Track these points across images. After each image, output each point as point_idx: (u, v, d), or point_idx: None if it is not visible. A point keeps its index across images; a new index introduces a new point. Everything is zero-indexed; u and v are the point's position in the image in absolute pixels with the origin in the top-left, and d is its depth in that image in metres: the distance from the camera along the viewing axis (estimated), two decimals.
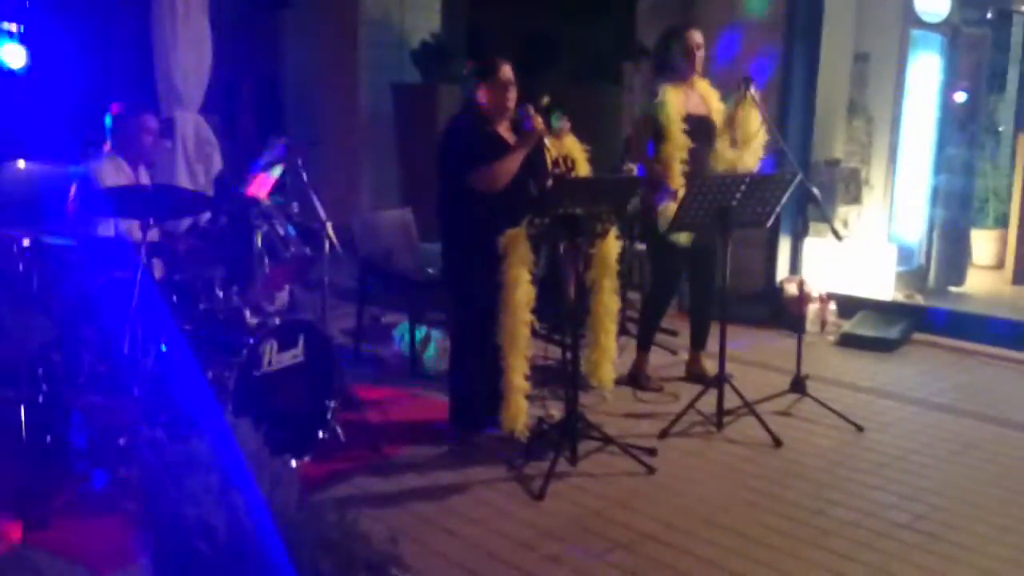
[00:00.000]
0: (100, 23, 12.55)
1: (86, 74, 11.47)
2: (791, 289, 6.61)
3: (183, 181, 6.76)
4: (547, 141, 4.26)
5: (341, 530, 2.45)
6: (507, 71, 4.31)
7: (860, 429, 4.67)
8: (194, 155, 6.89)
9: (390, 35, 9.92)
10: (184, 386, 3.52)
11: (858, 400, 5.15)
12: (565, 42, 14.52)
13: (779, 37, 6.70)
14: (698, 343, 5.49)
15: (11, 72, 4.84)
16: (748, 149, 4.99)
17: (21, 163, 7.52)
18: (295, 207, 4.76)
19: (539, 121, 4.22)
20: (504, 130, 4.38)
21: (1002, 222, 8.51)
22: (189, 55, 6.64)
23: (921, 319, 6.37)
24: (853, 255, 6.86)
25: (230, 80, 8.99)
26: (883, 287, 6.83)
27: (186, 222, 5.01)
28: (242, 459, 2.45)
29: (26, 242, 3.83)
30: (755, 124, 4.96)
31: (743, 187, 4.44)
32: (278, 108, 10.75)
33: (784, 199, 4.61)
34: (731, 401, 4.69)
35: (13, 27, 4.75)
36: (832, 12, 6.77)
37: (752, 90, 4.91)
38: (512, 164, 4.20)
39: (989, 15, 8.43)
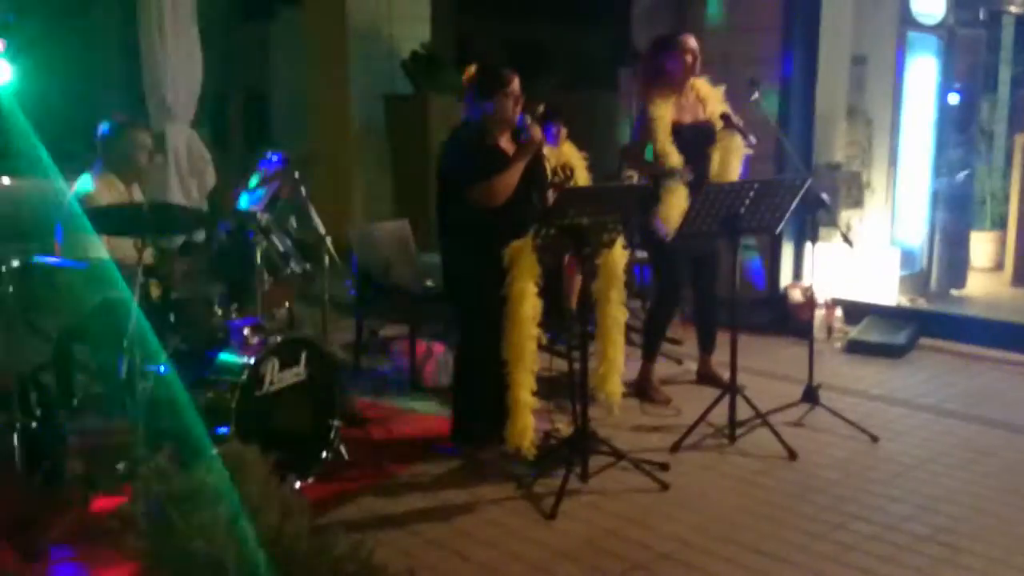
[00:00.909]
0: (88, 36, 12.45)
1: (74, 88, 11.35)
2: (796, 295, 6.53)
3: (176, 197, 6.65)
4: (544, 150, 4.17)
5: (356, 562, 2.34)
6: (516, 83, 4.21)
7: (875, 439, 4.59)
8: (187, 170, 6.78)
9: (379, 46, 9.82)
10: (186, 410, 3.41)
11: (870, 408, 5.07)
12: (558, 49, 14.44)
13: (776, 41, 6.63)
14: (707, 347, 5.42)
15: (3, 87, 4.72)
16: (729, 159, 4.94)
17: (5, 179, 7.41)
18: (293, 222, 4.66)
19: (537, 131, 4.13)
20: (505, 141, 4.29)
21: (1000, 224, 8.47)
22: (179, 68, 6.53)
23: (928, 324, 6.30)
24: (856, 260, 6.78)
25: (219, 93, 8.87)
26: (887, 292, 6.76)
27: (179, 240, 4.90)
28: (251, 489, 2.35)
29: (15, 262, 3.70)
30: (737, 148, 4.91)
31: (752, 194, 4.36)
32: (268, 121, 10.67)
33: (793, 205, 4.53)
34: (742, 411, 4.60)
35: None
36: (829, 15, 6.71)
37: (756, 95, 4.85)
38: (512, 177, 4.11)
39: (981, 15, 8.40)
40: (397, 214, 7.31)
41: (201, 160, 6.71)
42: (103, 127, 4.56)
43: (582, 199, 4.07)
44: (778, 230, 4.63)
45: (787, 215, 4.54)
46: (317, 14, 10.02)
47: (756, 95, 4.89)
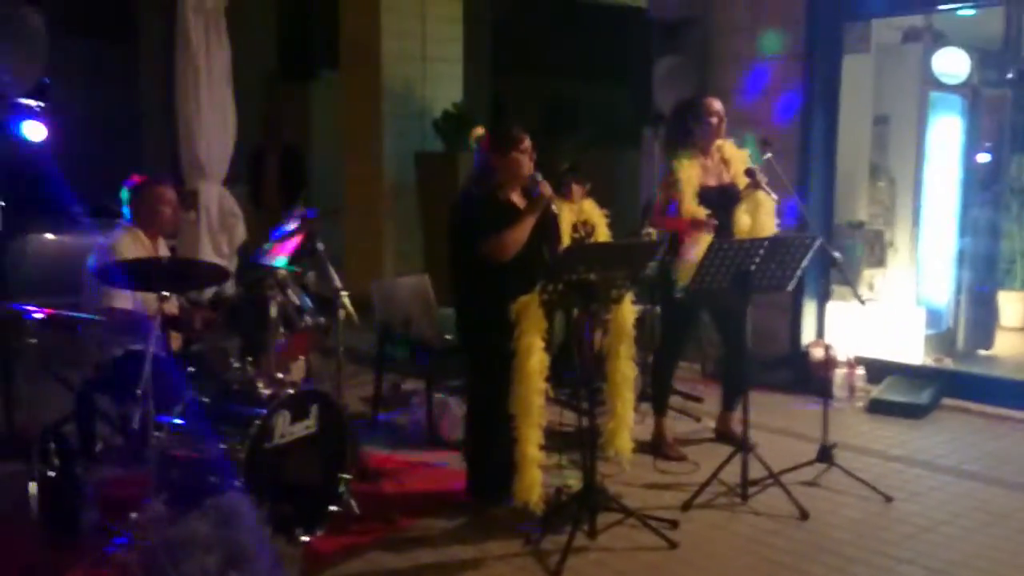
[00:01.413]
0: (126, 95, 12.86)
1: (115, 145, 11.72)
2: (817, 353, 6.50)
3: (207, 252, 6.80)
4: (555, 207, 4.24)
5: None
6: (527, 141, 4.31)
7: (889, 499, 4.53)
8: (217, 226, 6.94)
9: (412, 105, 10.08)
10: (193, 461, 3.48)
11: (887, 469, 5.01)
12: (586, 108, 14.68)
13: (797, 100, 6.70)
14: (729, 404, 5.41)
15: (33, 145, 4.91)
16: (760, 217, 4.96)
17: (49, 235, 7.66)
18: (311, 276, 4.76)
19: (547, 188, 4.21)
20: (517, 197, 4.38)
21: None
22: (212, 127, 6.72)
23: (951, 384, 6.23)
24: (880, 318, 6.75)
25: (257, 150, 9.13)
26: (912, 351, 6.71)
27: (209, 292, 5.03)
28: (243, 538, 2.40)
29: (40, 315, 3.83)
30: (767, 205, 4.93)
31: (762, 251, 4.39)
32: (304, 177, 10.90)
33: (804, 262, 4.55)
34: (757, 470, 4.58)
35: (33, 103, 4.83)
36: (849, 76, 6.77)
37: (769, 155, 4.90)
38: (522, 232, 4.18)
39: (1010, 75, 8.38)
40: (427, 270, 7.42)
41: (232, 216, 6.87)
42: (130, 183, 4.72)
43: (590, 255, 4.13)
44: (789, 287, 4.64)
45: (798, 273, 4.56)
46: (354, 75, 10.33)
47: (768, 155, 4.94)
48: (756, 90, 6.84)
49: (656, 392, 5.34)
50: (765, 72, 6.82)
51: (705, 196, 4.99)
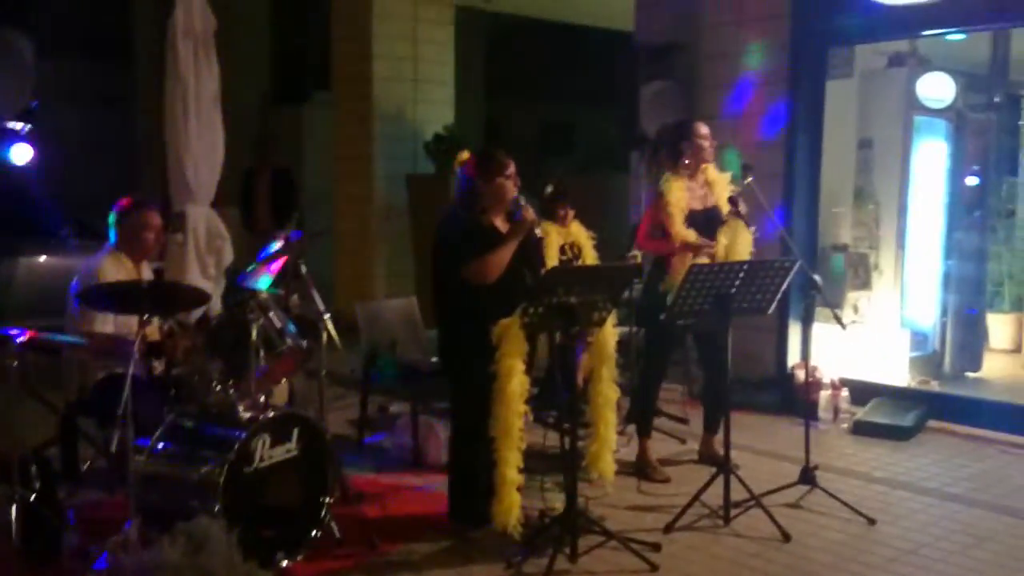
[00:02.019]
0: (121, 116, 12.92)
1: (109, 169, 11.77)
2: (802, 375, 6.50)
3: (194, 274, 6.81)
4: (539, 230, 4.27)
5: None
6: (511, 167, 4.34)
7: (872, 522, 4.54)
8: (204, 248, 6.95)
9: (403, 128, 10.14)
10: (170, 484, 3.48)
11: (871, 491, 5.02)
12: (577, 131, 14.80)
13: (780, 124, 6.76)
14: (710, 427, 5.42)
15: (19, 167, 4.94)
16: (737, 246, 5.01)
17: (37, 258, 7.67)
18: (295, 299, 4.78)
19: (530, 212, 4.23)
20: (500, 221, 4.40)
21: (1018, 306, 8.40)
22: (201, 150, 6.74)
23: (936, 406, 6.25)
24: (866, 340, 6.77)
25: (250, 172, 9.16)
26: (897, 373, 6.72)
27: (197, 313, 5.04)
28: (214, 562, 2.41)
29: (22, 338, 3.84)
30: (745, 236, 4.98)
31: (741, 274, 4.42)
32: (295, 199, 10.94)
33: (784, 285, 4.57)
34: (740, 492, 4.58)
35: (18, 126, 4.87)
36: (834, 100, 6.83)
37: (750, 179, 4.95)
38: (504, 255, 4.20)
39: (997, 99, 8.45)
40: (418, 291, 7.45)
41: (219, 238, 6.88)
42: (116, 206, 4.74)
43: (570, 278, 4.15)
44: (769, 311, 4.66)
45: (778, 296, 4.58)
46: (347, 97, 10.38)
47: (750, 179, 4.99)
48: (741, 114, 6.90)
49: (640, 414, 5.36)
50: (749, 96, 6.88)
51: (692, 219, 5.04)
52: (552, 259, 5.39)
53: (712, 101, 7.02)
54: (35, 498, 3.93)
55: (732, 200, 4.99)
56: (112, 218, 4.69)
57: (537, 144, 14.34)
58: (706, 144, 5.10)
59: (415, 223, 9.90)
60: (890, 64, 7.31)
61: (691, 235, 4.98)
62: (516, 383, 4.09)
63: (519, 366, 4.09)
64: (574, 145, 14.98)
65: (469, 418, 4.30)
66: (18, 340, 3.85)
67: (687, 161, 5.09)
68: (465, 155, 4.45)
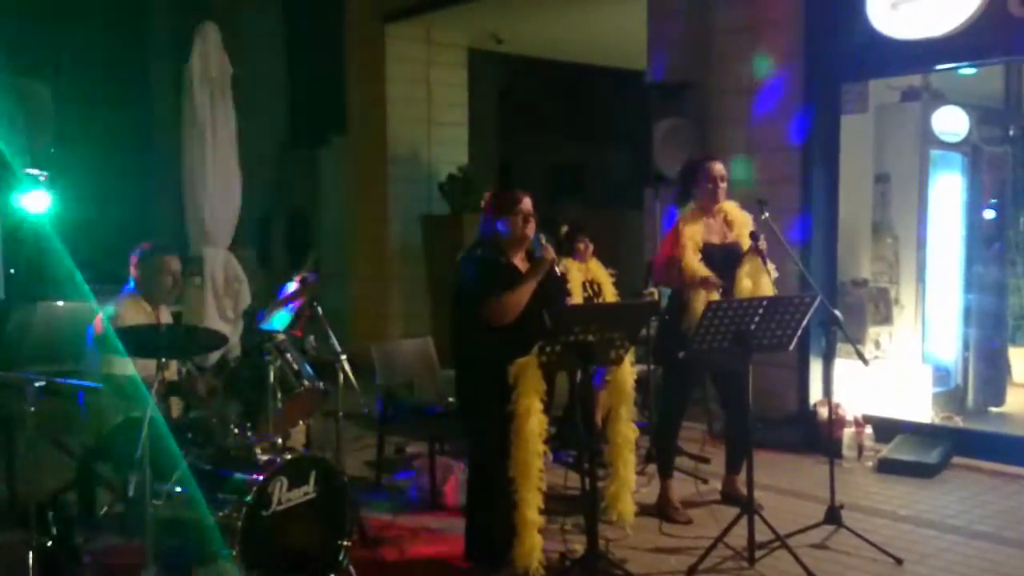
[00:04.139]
0: (132, 165, 13.07)
1: (129, 213, 11.87)
2: (825, 412, 6.44)
3: (212, 317, 6.85)
4: (559, 268, 4.26)
5: None
6: (527, 203, 4.33)
7: (899, 561, 4.45)
8: (222, 291, 7.00)
9: (418, 169, 10.22)
10: (188, 529, 3.45)
11: (897, 530, 4.93)
12: (590, 170, 14.87)
13: (796, 162, 6.75)
14: (733, 466, 5.35)
15: (40, 214, 4.99)
16: (761, 284, 4.97)
17: (56, 303, 7.71)
18: (311, 340, 4.77)
19: (550, 251, 4.22)
20: (520, 260, 4.39)
21: None
22: (218, 194, 6.82)
23: (961, 442, 6.15)
24: (888, 376, 6.70)
25: (265, 214, 9.23)
26: (920, 409, 6.64)
27: (214, 356, 5.04)
28: None
29: (39, 383, 3.84)
30: (765, 277, 4.96)
31: (760, 311, 4.38)
32: (311, 240, 11.03)
33: (804, 322, 4.53)
34: (764, 533, 4.51)
35: (37, 172, 4.92)
36: (849, 135, 6.83)
37: (766, 215, 4.93)
38: (522, 295, 4.18)
39: (1012, 132, 8.44)
40: (433, 331, 7.44)
41: (237, 281, 6.93)
42: (135, 251, 4.77)
43: (587, 315, 4.13)
44: (790, 347, 4.61)
45: (798, 332, 4.54)
46: (362, 139, 10.48)
47: (766, 214, 4.96)
48: (755, 150, 6.90)
49: (661, 454, 5.29)
50: (764, 133, 6.89)
51: (708, 254, 5.01)
52: (576, 296, 5.38)
53: (725, 137, 7.03)
54: (52, 543, 3.92)
55: (753, 235, 4.96)
56: (132, 261, 4.71)
57: (549, 183, 14.41)
58: (718, 182, 5.08)
59: (430, 263, 9.94)
60: (904, 98, 7.32)
61: (701, 269, 4.94)
62: (534, 422, 4.05)
63: (537, 405, 4.06)
64: (586, 184, 15.04)
65: (487, 458, 4.25)
66: (36, 385, 3.85)
67: (702, 199, 5.08)
68: (488, 195, 4.45)
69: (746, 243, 5.02)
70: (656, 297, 5.84)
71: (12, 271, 5.30)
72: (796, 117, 6.78)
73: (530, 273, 4.26)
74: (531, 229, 4.33)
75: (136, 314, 4.56)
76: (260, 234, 9.26)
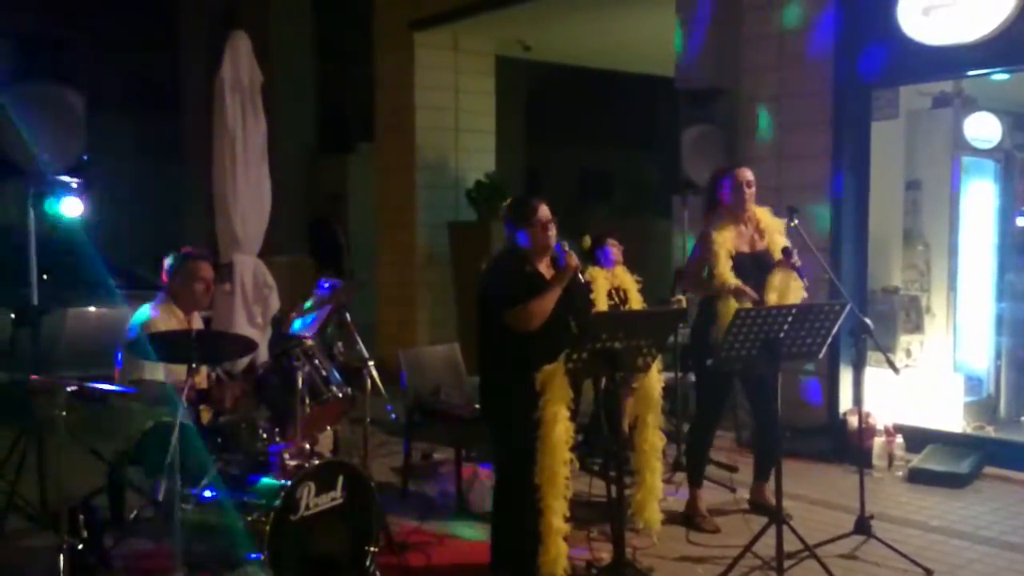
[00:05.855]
0: (163, 172, 13.23)
1: (153, 219, 12.02)
2: (855, 421, 6.37)
3: (241, 323, 6.89)
4: (583, 276, 4.25)
5: None
6: (544, 211, 4.33)
7: (930, 572, 4.40)
8: (252, 297, 7.03)
9: (446, 176, 10.25)
10: (217, 533, 3.48)
11: (928, 540, 4.87)
12: (618, 177, 14.86)
13: (826, 167, 6.70)
14: (761, 474, 5.32)
15: (72, 220, 5.05)
16: (789, 297, 4.94)
17: (88, 308, 7.81)
18: (340, 347, 4.80)
19: (574, 258, 4.21)
20: (545, 267, 4.38)
21: None
22: (248, 201, 6.85)
23: (993, 452, 6.08)
24: (919, 385, 6.63)
25: (294, 220, 9.29)
26: (951, 418, 6.56)
27: (243, 363, 5.07)
28: None
29: (72, 388, 3.89)
30: (797, 286, 4.93)
31: (790, 318, 4.35)
32: (339, 247, 11.08)
33: (834, 329, 4.49)
34: (793, 542, 4.47)
35: (69, 179, 4.98)
36: (880, 141, 6.77)
37: (795, 221, 4.90)
38: (547, 302, 4.17)
39: None
40: (460, 338, 7.45)
41: (266, 287, 6.96)
42: (168, 258, 4.82)
43: (614, 324, 4.11)
44: (820, 355, 4.57)
45: (828, 340, 4.50)
46: (389, 147, 10.54)
47: (795, 221, 4.94)
48: (785, 157, 6.86)
49: (692, 463, 5.26)
50: (794, 140, 6.85)
51: (739, 262, 4.99)
52: (601, 303, 5.37)
53: (754, 145, 6.99)
54: (82, 547, 3.96)
55: (786, 251, 4.94)
56: (168, 265, 4.76)
57: (577, 190, 14.41)
58: (747, 189, 5.07)
59: (457, 270, 9.96)
60: (935, 105, 7.24)
61: (733, 280, 4.93)
62: (561, 430, 4.04)
63: (564, 412, 4.05)
64: (614, 191, 15.03)
65: (513, 466, 4.24)
66: (68, 390, 3.89)
67: (732, 206, 5.06)
68: (505, 206, 4.46)
69: (777, 250, 5.00)
70: (684, 305, 5.82)
71: (45, 277, 5.35)
72: (826, 124, 6.73)
73: (555, 280, 4.25)
74: (552, 235, 4.32)
75: (168, 320, 4.61)
76: (289, 240, 9.31)
